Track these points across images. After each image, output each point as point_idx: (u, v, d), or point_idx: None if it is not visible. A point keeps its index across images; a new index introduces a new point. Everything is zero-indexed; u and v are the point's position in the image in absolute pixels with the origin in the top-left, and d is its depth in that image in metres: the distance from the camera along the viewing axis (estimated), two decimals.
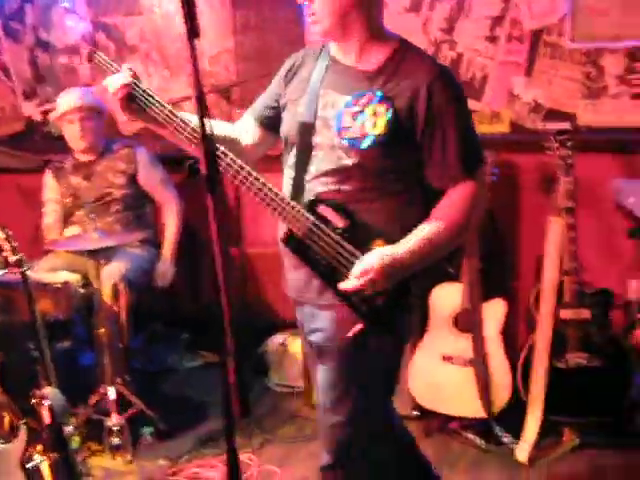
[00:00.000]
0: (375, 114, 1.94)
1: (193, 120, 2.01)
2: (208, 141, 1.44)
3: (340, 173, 2.00)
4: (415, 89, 1.93)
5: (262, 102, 2.23)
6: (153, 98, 2.03)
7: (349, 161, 1.99)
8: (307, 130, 2.04)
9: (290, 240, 1.98)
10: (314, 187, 2.04)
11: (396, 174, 2.02)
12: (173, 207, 3.88)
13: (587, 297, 3.16)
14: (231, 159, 1.97)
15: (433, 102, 1.93)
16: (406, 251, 1.94)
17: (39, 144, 4.59)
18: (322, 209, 1.99)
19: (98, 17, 4.32)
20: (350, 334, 2.01)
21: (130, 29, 4.26)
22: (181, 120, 2.01)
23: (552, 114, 3.41)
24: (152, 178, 3.87)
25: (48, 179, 3.95)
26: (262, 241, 4.05)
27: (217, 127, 1.97)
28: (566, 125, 3.15)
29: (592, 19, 3.30)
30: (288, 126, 2.11)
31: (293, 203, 1.99)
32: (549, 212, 3.22)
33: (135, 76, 2.06)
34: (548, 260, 3.17)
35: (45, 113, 4.59)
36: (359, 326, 2.01)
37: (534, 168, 3.48)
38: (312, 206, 1.99)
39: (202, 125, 1.46)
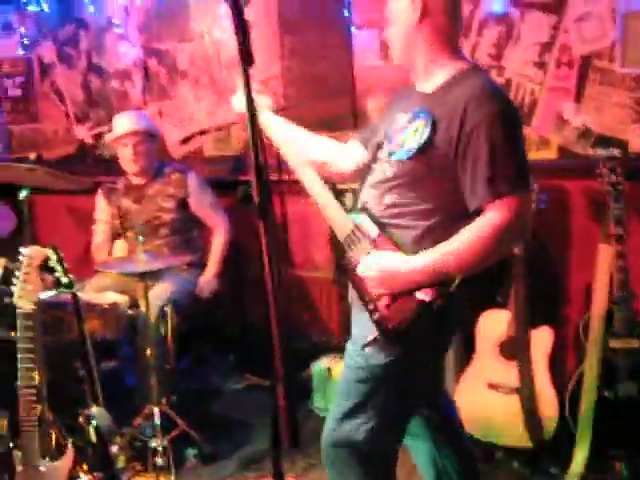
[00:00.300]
0: (416, 130, 2.05)
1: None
2: (262, 170, 1.46)
3: (382, 185, 2.12)
4: (455, 108, 1.98)
5: (368, 127, 2.42)
6: None
7: (389, 173, 2.10)
8: (378, 147, 2.20)
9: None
10: (363, 197, 2.19)
11: (433, 192, 2.04)
12: (222, 230, 3.92)
13: (637, 326, 3.10)
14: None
15: (467, 120, 1.95)
16: (414, 265, 2.00)
17: (90, 166, 4.70)
18: (360, 218, 2.14)
19: (150, 43, 4.41)
20: (366, 342, 2.08)
21: (181, 54, 4.34)
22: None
23: (602, 140, 3.37)
24: (202, 203, 3.92)
25: (100, 200, 4.03)
26: (308, 264, 4.07)
27: (317, 146, 2.38)
28: (616, 152, 3.12)
29: None
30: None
31: (338, 209, 2.18)
32: (599, 239, 3.18)
33: None
34: (597, 288, 3.13)
35: (97, 136, 4.70)
36: (372, 336, 2.08)
37: (584, 194, 3.43)
38: (354, 215, 2.16)
39: (256, 153, 1.48)
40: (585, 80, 3.38)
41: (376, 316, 2.09)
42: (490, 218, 1.95)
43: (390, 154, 2.11)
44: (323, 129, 3.90)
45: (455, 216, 2.03)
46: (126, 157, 3.86)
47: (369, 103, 3.85)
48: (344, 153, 2.39)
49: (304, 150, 2.37)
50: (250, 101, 1.51)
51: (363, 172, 2.31)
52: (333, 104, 3.82)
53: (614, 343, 3.10)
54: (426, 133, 2.00)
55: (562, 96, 3.44)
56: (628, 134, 3.35)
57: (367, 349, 2.10)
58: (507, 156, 1.94)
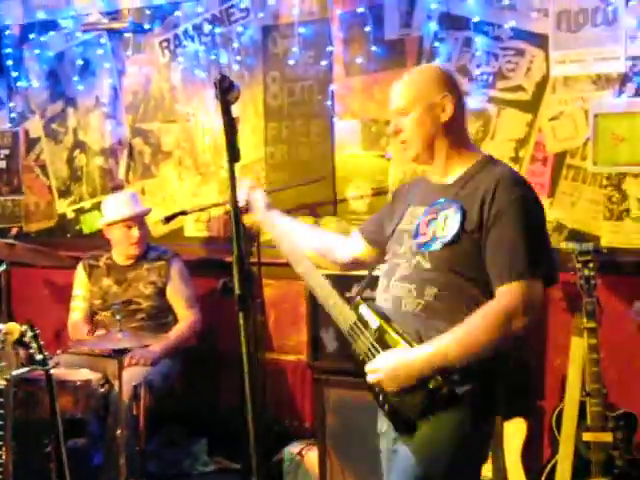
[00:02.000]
0: (446, 219, 2.07)
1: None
2: (243, 262, 1.49)
3: (419, 277, 2.09)
4: (483, 194, 2.03)
5: (370, 220, 2.46)
6: None
7: (424, 265, 2.08)
8: (397, 242, 2.21)
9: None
10: (395, 291, 2.14)
11: (469, 280, 2.04)
12: (187, 321, 3.88)
13: (610, 420, 3.12)
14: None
15: (495, 202, 2.00)
16: (420, 356, 2.00)
17: (69, 241, 4.71)
18: (362, 310, 2.17)
19: (136, 123, 4.50)
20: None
21: (166, 135, 4.42)
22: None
23: (575, 234, 3.45)
24: (178, 294, 3.92)
25: (80, 275, 4.01)
26: (283, 347, 4.07)
27: (312, 237, 2.46)
28: (588, 246, 3.19)
29: (614, 144, 3.38)
30: (388, 241, 2.27)
31: (340, 301, 2.21)
32: (573, 331, 3.22)
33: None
34: (570, 380, 3.15)
35: (78, 211, 4.73)
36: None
37: (557, 287, 3.49)
38: (357, 306, 2.19)
39: (238, 245, 1.51)
40: (558, 176, 3.50)
41: (387, 408, 2.10)
42: (497, 302, 1.97)
43: (420, 246, 2.10)
44: (304, 214, 4.00)
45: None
46: (129, 240, 3.87)
47: (348, 190, 3.93)
48: (342, 244, 2.45)
49: (302, 240, 2.44)
50: (234, 194, 1.56)
51: (359, 264, 2.43)
52: (314, 190, 3.89)
53: (586, 436, 3.11)
54: (457, 220, 2.04)
55: (536, 191, 3.52)
56: (600, 229, 3.44)
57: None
58: (527, 241, 1.97)
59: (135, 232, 3.85)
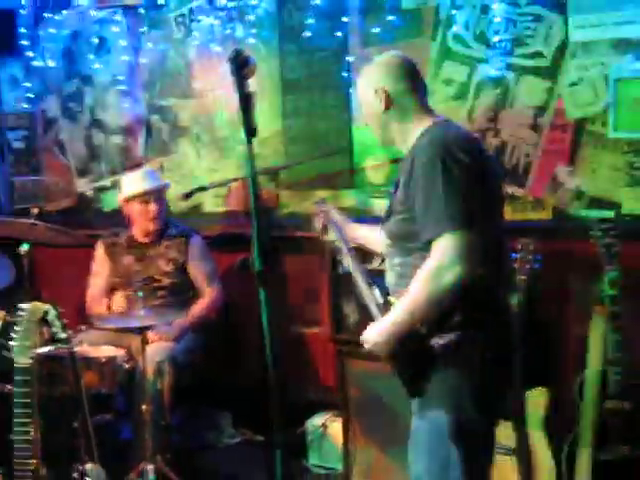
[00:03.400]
0: (391, 194, 2.36)
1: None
2: (262, 238, 1.49)
3: (387, 251, 2.38)
4: (408, 164, 2.21)
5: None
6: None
7: (386, 239, 2.36)
8: None
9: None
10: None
11: (418, 245, 2.19)
12: (208, 297, 3.92)
13: (631, 388, 3.11)
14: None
15: (413, 172, 2.17)
16: (392, 321, 2.19)
17: (90, 219, 4.74)
18: (375, 290, 2.36)
19: (153, 99, 4.50)
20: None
21: (183, 111, 4.42)
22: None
23: (596, 202, 3.42)
24: (199, 271, 3.94)
25: (99, 252, 4.05)
26: (306, 321, 4.09)
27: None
28: (609, 214, 3.17)
29: (635, 109, 3.34)
30: None
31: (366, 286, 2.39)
32: (594, 300, 3.21)
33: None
34: (592, 349, 3.15)
35: (97, 190, 4.75)
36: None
37: (578, 255, 3.47)
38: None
39: (257, 221, 1.52)
40: (579, 143, 3.46)
41: (395, 372, 2.26)
42: (428, 260, 2.11)
43: (381, 223, 2.39)
44: (322, 186, 3.99)
45: None
46: (146, 215, 3.87)
47: (367, 162, 3.92)
48: None
49: (374, 241, 2.64)
50: (253, 169, 1.56)
51: None
52: (332, 162, 3.88)
53: (608, 404, 3.11)
54: (395, 194, 2.29)
55: (556, 159, 3.50)
56: (621, 196, 3.41)
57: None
58: (438, 199, 2.09)
59: (152, 207, 3.85)
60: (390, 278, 2.34)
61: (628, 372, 3.11)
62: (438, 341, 2.14)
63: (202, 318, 3.88)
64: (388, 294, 2.31)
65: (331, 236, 2.67)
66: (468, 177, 2.13)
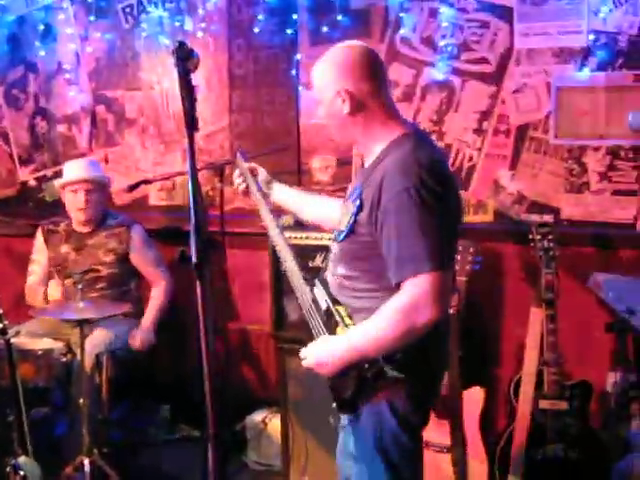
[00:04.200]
0: (348, 210, 2.11)
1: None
2: (200, 230, 1.49)
3: (334, 259, 2.21)
4: (375, 186, 2.00)
5: None
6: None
7: (334, 250, 2.20)
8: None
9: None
10: (327, 268, 2.27)
11: (371, 271, 2.08)
12: (161, 287, 3.91)
13: (566, 388, 3.19)
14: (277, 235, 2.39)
15: (382, 198, 1.97)
16: (341, 349, 2.04)
17: (31, 210, 4.65)
18: (315, 291, 2.22)
19: (99, 90, 4.44)
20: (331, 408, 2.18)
21: (130, 103, 4.37)
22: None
23: (536, 206, 3.50)
24: (144, 260, 3.91)
25: (39, 240, 3.98)
26: (248, 317, 4.09)
27: (314, 203, 2.52)
28: (548, 218, 3.24)
29: (576, 117, 3.42)
30: None
31: (303, 282, 2.25)
32: (531, 302, 3.28)
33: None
34: (528, 350, 3.22)
35: (40, 179, 4.67)
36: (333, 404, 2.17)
37: (517, 258, 3.55)
38: (312, 286, 2.24)
39: (196, 213, 1.51)
40: (521, 148, 3.53)
41: (329, 384, 2.15)
42: (398, 300, 1.96)
43: (334, 233, 2.20)
44: None
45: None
46: (75, 205, 3.83)
47: (314, 161, 3.94)
48: (337, 210, 2.36)
49: (305, 210, 2.54)
50: (192, 161, 1.55)
51: None
52: (279, 160, 3.89)
53: (543, 404, 3.18)
54: (354, 212, 2.06)
55: (499, 163, 3.58)
56: (560, 202, 3.49)
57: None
58: (414, 236, 1.93)
59: (80, 196, 3.79)
60: (330, 282, 2.21)
61: (563, 373, 3.19)
62: (391, 372, 2.02)
63: (163, 309, 3.88)
64: (335, 301, 2.15)
65: (252, 197, 2.54)
66: (442, 211, 1.97)
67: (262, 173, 2.58)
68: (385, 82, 2.15)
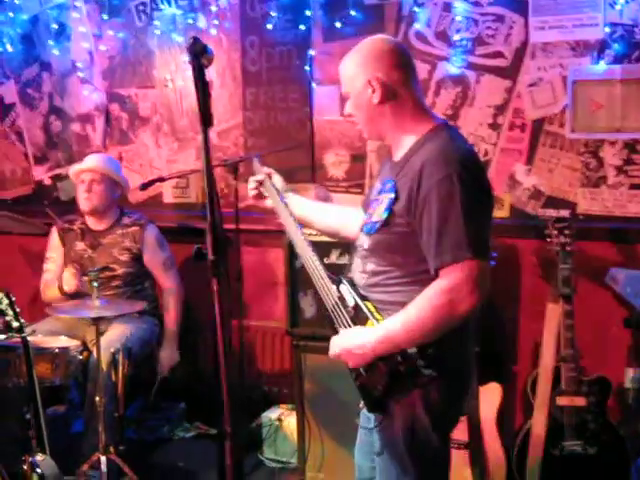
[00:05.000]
0: (382, 202, 2.08)
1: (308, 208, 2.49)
2: (216, 228, 1.49)
3: (362, 254, 2.17)
4: (413, 176, 1.99)
5: (368, 192, 2.44)
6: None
7: (365, 245, 2.15)
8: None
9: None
10: (352, 265, 2.23)
11: (405, 262, 2.05)
12: (172, 291, 3.91)
13: (584, 384, 3.17)
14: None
15: (421, 186, 1.96)
16: (368, 340, 2.02)
17: (46, 208, 4.66)
18: (342, 288, 2.17)
19: (113, 88, 4.44)
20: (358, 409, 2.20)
21: (143, 101, 4.38)
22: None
23: (552, 201, 3.47)
24: (155, 260, 3.92)
25: (54, 238, 3.99)
26: (262, 314, 4.09)
27: (329, 212, 2.50)
28: (564, 213, 3.21)
29: (592, 111, 3.39)
30: None
31: (327, 279, 2.19)
32: (548, 297, 3.26)
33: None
34: (545, 346, 3.20)
35: (55, 178, 4.68)
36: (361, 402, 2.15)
37: (534, 253, 3.52)
38: (338, 284, 2.19)
39: (212, 210, 1.51)
40: (536, 143, 3.50)
41: (358, 383, 2.12)
42: (439, 285, 1.95)
43: (364, 227, 2.17)
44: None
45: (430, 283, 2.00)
46: (80, 194, 3.86)
47: (327, 157, 3.92)
48: (353, 220, 2.39)
49: (320, 220, 2.48)
50: (208, 158, 1.55)
51: None
52: (292, 156, 3.88)
53: (561, 400, 3.16)
54: (389, 204, 2.04)
55: (514, 157, 3.55)
56: (577, 196, 3.46)
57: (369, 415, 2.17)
58: (457, 222, 1.91)
59: (85, 186, 3.83)
60: (358, 281, 2.18)
61: (580, 369, 3.17)
62: (425, 368, 1.99)
63: (181, 316, 3.91)
64: (363, 297, 2.12)
65: (268, 202, 2.49)
66: (484, 200, 2.00)
67: (278, 180, 2.52)
68: (415, 74, 2.14)
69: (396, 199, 2.03)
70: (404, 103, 2.09)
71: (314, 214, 2.49)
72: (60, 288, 3.77)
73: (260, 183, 2.50)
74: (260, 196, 2.50)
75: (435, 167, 1.95)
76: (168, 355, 3.81)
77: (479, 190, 1.98)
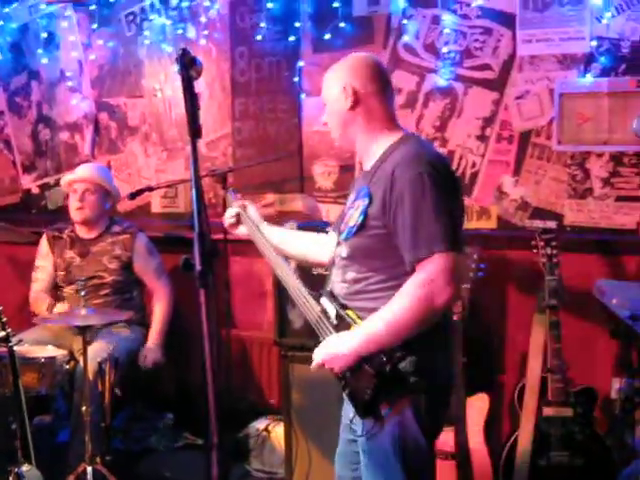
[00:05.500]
0: (357, 208, 2.15)
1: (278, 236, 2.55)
2: (204, 239, 1.49)
3: (341, 264, 2.22)
4: (385, 179, 2.07)
5: (338, 216, 2.45)
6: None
7: (344, 253, 2.20)
8: (339, 231, 2.28)
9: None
10: (331, 277, 2.27)
11: (384, 264, 2.11)
12: (163, 296, 3.92)
13: (570, 395, 3.18)
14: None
15: (394, 186, 2.04)
16: (354, 342, 2.06)
17: (34, 217, 4.65)
18: (322, 301, 2.23)
19: (102, 97, 4.44)
20: (350, 418, 2.20)
21: (132, 111, 4.38)
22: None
23: (539, 213, 3.49)
24: (146, 268, 3.92)
25: (43, 246, 3.98)
26: (250, 324, 4.08)
27: (300, 239, 2.58)
28: (551, 224, 3.24)
29: (579, 124, 3.42)
30: None
31: (308, 295, 2.24)
32: (535, 308, 3.27)
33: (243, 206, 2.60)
34: (532, 357, 3.21)
35: (43, 187, 4.67)
36: (352, 412, 2.15)
37: (521, 264, 3.54)
38: (317, 298, 2.24)
39: (200, 221, 1.51)
40: (524, 155, 3.53)
41: (347, 391, 2.14)
42: (416, 279, 2.00)
43: (341, 234, 2.22)
44: (270, 190, 3.99)
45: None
46: (72, 204, 3.86)
47: (316, 168, 3.93)
48: (323, 244, 2.47)
49: (291, 245, 2.55)
50: (196, 170, 1.55)
51: None
52: (281, 166, 3.89)
53: (547, 411, 3.17)
54: (364, 208, 2.11)
55: (502, 169, 3.57)
56: (564, 208, 3.48)
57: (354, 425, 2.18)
58: (430, 217, 1.99)
59: (77, 196, 3.83)
60: (338, 292, 2.22)
61: (567, 380, 3.18)
62: (411, 374, 2.02)
63: (168, 321, 3.90)
64: (344, 306, 2.16)
65: (241, 230, 2.60)
66: (454, 197, 2.08)
67: (252, 211, 2.60)
68: (391, 90, 2.26)
69: (370, 203, 2.10)
70: (375, 113, 2.20)
71: (287, 240, 2.57)
72: (50, 310, 3.80)
73: (237, 215, 2.60)
74: (235, 225, 2.61)
75: (406, 168, 2.04)
76: (152, 349, 3.77)
77: (450, 187, 2.07)
